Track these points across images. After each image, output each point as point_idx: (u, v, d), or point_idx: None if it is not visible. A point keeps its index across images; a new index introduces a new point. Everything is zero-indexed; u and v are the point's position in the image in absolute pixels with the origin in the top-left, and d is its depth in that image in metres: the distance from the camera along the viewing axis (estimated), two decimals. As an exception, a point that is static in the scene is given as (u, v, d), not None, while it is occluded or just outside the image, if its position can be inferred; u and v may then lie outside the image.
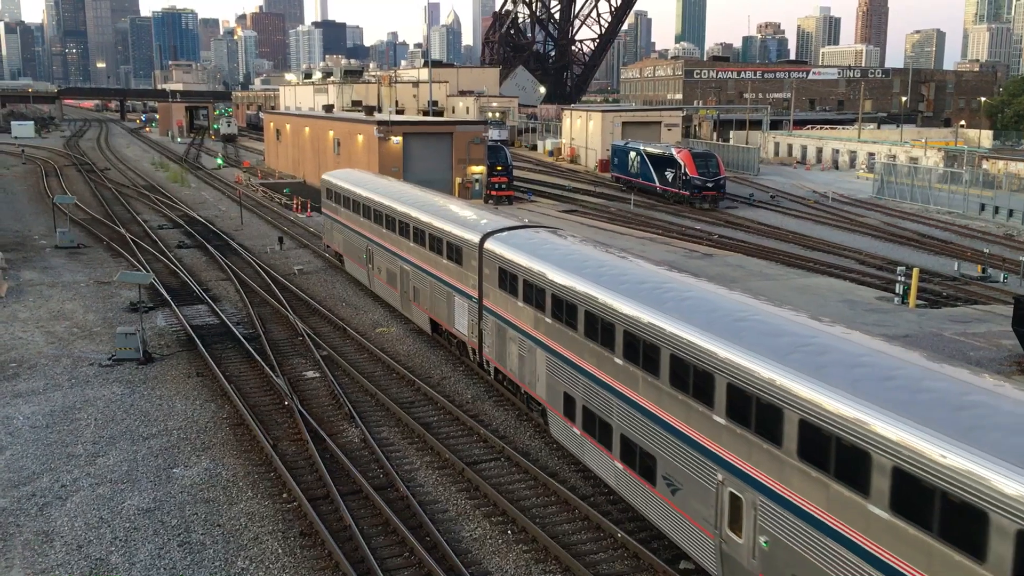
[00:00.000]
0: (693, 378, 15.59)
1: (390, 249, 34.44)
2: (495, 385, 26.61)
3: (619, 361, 18.07)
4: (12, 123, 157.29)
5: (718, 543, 15.24)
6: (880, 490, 11.88)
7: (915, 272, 38.51)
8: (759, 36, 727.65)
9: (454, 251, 27.75)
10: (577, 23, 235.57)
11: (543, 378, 21.99)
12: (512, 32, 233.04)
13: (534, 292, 22.04)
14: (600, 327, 18.76)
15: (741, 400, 14.37)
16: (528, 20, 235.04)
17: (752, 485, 14.24)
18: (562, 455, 21.87)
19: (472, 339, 27.07)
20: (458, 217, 29.10)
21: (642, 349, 17.19)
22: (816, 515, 13.00)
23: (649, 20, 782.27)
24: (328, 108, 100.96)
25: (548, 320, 21.28)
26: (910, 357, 13.75)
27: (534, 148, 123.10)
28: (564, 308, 20.40)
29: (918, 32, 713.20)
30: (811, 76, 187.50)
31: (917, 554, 11.42)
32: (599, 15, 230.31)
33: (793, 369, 13.65)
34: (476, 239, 25.94)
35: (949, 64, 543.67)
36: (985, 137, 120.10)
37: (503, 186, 68.75)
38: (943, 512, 11.05)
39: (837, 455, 12.59)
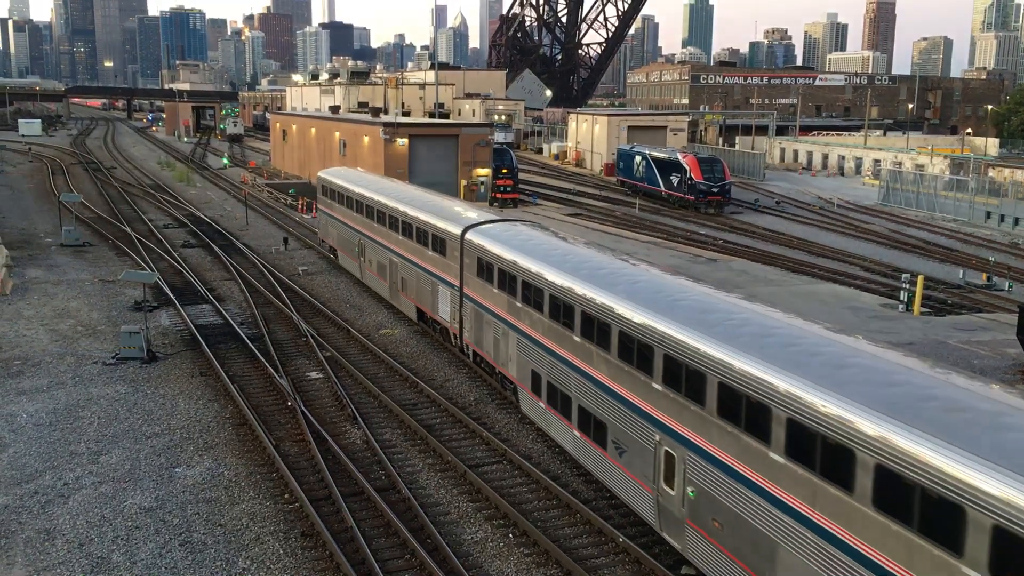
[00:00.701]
0: (636, 350, 17.57)
1: (380, 242, 36.12)
2: (474, 368, 28.31)
3: (577, 339, 20.07)
4: (19, 121, 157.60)
5: (656, 497, 17.22)
6: (778, 439, 13.75)
7: (920, 279, 38.44)
8: (766, 41, 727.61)
9: (438, 243, 29.52)
10: (584, 27, 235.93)
11: (514, 358, 23.97)
12: (519, 35, 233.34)
13: (507, 279, 24.03)
14: (562, 309, 20.82)
15: (674, 368, 16.34)
16: (535, 23, 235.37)
17: (682, 443, 16.22)
18: (564, 459, 21.86)
19: (453, 325, 28.86)
20: (442, 211, 30.78)
21: (596, 327, 19.18)
22: (731, 465, 14.90)
23: (656, 25, 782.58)
24: (334, 109, 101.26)
25: (519, 304, 23.34)
26: (813, 328, 15.72)
27: (540, 151, 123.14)
28: (532, 293, 22.47)
29: (925, 39, 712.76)
30: (818, 82, 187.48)
31: (804, 490, 13.28)
32: (606, 19, 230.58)
33: (714, 338, 15.61)
34: (458, 231, 27.76)
35: (956, 71, 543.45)
36: (991, 145, 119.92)
37: (508, 189, 68.80)
38: (823, 453, 12.93)
39: (747, 411, 14.49)
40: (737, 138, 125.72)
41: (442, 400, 25.36)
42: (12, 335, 31.75)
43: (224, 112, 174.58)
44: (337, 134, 74.62)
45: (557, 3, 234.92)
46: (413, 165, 63.72)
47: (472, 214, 29.56)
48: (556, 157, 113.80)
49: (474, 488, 20.16)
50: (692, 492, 15.93)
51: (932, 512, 11.19)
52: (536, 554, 17.49)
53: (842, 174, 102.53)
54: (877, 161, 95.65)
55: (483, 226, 27.14)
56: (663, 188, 73.95)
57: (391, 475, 20.50)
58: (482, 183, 67.07)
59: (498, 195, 67.77)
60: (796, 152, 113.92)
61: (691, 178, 69.33)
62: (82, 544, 17.59)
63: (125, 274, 31.78)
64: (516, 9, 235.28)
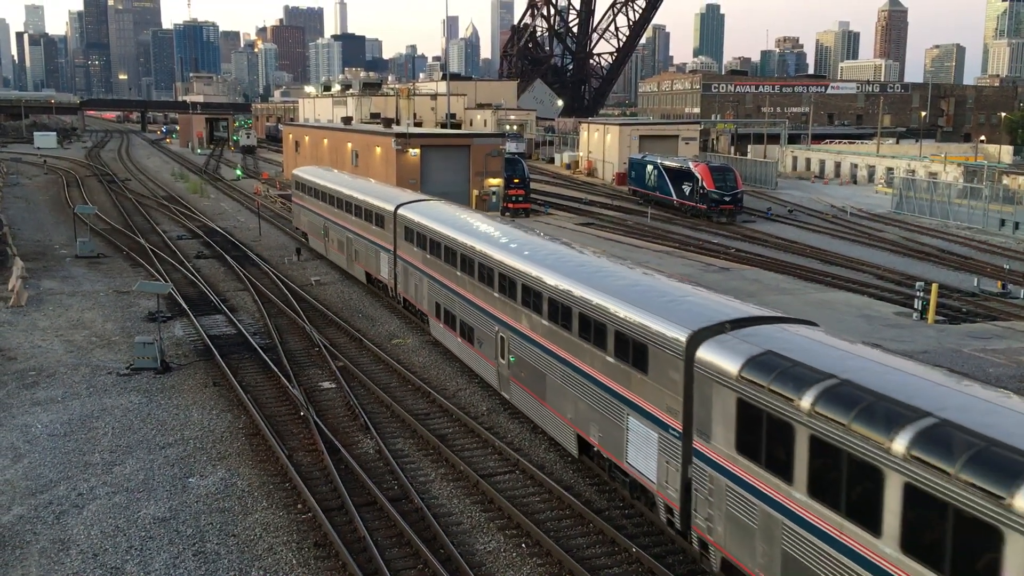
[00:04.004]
0: (486, 273, 26.04)
1: (339, 223, 44.47)
2: (404, 313, 36.37)
3: (459, 274, 28.40)
4: (35, 134, 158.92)
5: (496, 368, 25.74)
6: (546, 311, 22.09)
7: (934, 288, 38.21)
8: (777, 50, 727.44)
9: (379, 219, 37.83)
10: (595, 37, 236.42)
11: (426, 296, 32.25)
12: (530, 45, 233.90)
13: (422, 239, 32.27)
14: (450, 254, 29.22)
15: (503, 280, 24.81)
16: (546, 34, 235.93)
17: (508, 328, 24.62)
18: (576, 469, 21.82)
19: (390, 280, 37.21)
20: (382, 195, 39.24)
21: (467, 263, 27.60)
22: (527, 334, 23.34)
23: (667, 34, 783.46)
24: (347, 120, 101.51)
25: (428, 256, 31.63)
26: (581, 254, 23.98)
27: (551, 161, 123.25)
28: (435, 246, 30.73)
29: (938, 47, 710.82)
30: (830, 90, 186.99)
31: (554, 337, 21.71)
32: (617, 29, 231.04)
33: (522, 259, 23.96)
34: (392, 208, 36.12)
35: (969, 79, 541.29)
36: (1005, 152, 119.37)
37: (520, 198, 68.82)
38: (561, 313, 21.16)
39: (533, 298, 22.80)
40: (749, 147, 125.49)
41: (454, 410, 25.36)
42: (27, 346, 31.95)
43: (237, 124, 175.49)
44: (349, 145, 74.88)
45: (568, 13, 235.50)
46: (425, 175, 63.82)
47: (402, 195, 38.48)
48: (568, 167, 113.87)
49: (486, 498, 20.13)
50: (512, 359, 24.42)
51: (598, 332, 19.42)
52: (549, 564, 17.44)
53: (855, 182, 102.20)
54: (890, 169, 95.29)
55: (410, 204, 35.61)
56: (675, 197, 73.88)
57: (403, 485, 20.50)
58: (494, 193, 67.09)
59: (510, 205, 67.75)
60: (808, 160, 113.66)
61: (703, 187, 69.24)
62: (96, 554, 17.65)
63: (139, 285, 31.90)
64: (527, 19, 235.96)
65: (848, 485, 12.58)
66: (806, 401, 13.24)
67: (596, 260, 22.89)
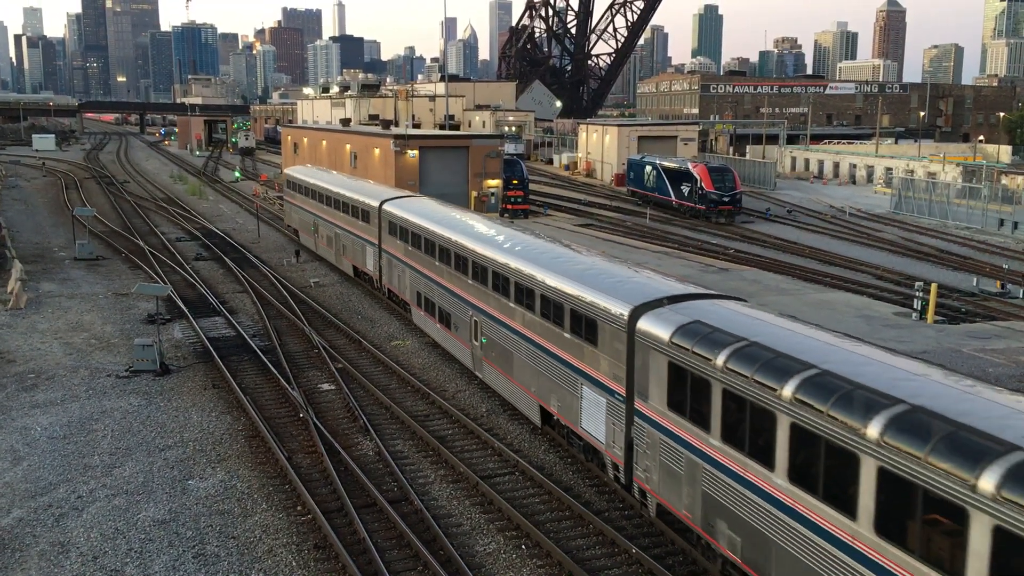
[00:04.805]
0: (461, 262, 28.18)
1: (328, 220, 46.30)
2: (389, 304, 38.20)
3: (438, 263, 30.54)
4: (33, 136, 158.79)
5: (471, 349, 27.85)
6: (513, 295, 24.12)
7: (933, 288, 38.22)
8: (776, 51, 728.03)
9: (365, 215, 39.70)
10: (593, 38, 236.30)
11: (408, 286, 34.39)
12: (529, 47, 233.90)
13: (404, 233, 34.39)
14: (429, 245, 31.27)
15: (476, 267, 26.85)
16: (545, 35, 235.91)
17: (480, 312, 26.64)
18: (576, 470, 21.83)
19: (375, 273, 39.15)
20: (367, 191, 41.34)
21: (445, 253, 29.72)
22: (497, 316, 25.37)
23: (666, 35, 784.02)
24: (345, 122, 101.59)
25: (410, 248, 33.86)
26: (551, 245, 25.54)
27: (550, 162, 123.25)
28: (416, 239, 32.90)
29: (936, 47, 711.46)
30: (828, 91, 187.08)
31: (520, 317, 23.72)
32: (615, 30, 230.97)
33: (492, 247, 26.08)
34: (376, 204, 38.01)
35: (967, 79, 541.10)
36: (1004, 152, 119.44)
37: (519, 200, 68.78)
38: (525, 295, 23.30)
39: (501, 283, 24.85)
40: (748, 147, 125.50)
41: (454, 411, 25.35)
42: (27, 348, 31.93)
43: (236, 126, 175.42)
44: (348, 146, 74.83)
45: (566, 14, 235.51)
46: (424, 177, 63.77)
47: (386, 192, 40.54)
48: (566, 168, 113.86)
49: (486, 499, 20.12)
50: (484, 340, 26.42)
51: (556, 311, 21.50)
52: (549, 565, 17.43)
53: (854, 183, 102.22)
54: (889, 169, 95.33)
55: (393, 200, 37.46)
56: (674, 198, 73.89)
57: (403, 487, 20.49)
58: (493, 194, 67.04)
59: (509, 206, 67.72)
60: (807, 161, 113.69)
61: (702, 188, 69.25)
62: (96, 557, 17.63)
63: (138, 287, 31.88)
64: (525, 21, 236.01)
65: (751, 428, 14.77)
66: (720, 360, 15.43)
67: (557, 248, 24.94)
